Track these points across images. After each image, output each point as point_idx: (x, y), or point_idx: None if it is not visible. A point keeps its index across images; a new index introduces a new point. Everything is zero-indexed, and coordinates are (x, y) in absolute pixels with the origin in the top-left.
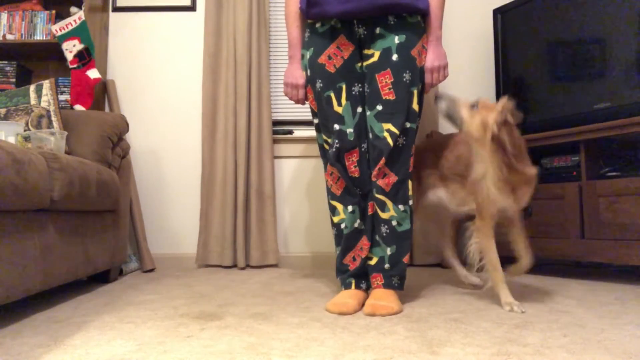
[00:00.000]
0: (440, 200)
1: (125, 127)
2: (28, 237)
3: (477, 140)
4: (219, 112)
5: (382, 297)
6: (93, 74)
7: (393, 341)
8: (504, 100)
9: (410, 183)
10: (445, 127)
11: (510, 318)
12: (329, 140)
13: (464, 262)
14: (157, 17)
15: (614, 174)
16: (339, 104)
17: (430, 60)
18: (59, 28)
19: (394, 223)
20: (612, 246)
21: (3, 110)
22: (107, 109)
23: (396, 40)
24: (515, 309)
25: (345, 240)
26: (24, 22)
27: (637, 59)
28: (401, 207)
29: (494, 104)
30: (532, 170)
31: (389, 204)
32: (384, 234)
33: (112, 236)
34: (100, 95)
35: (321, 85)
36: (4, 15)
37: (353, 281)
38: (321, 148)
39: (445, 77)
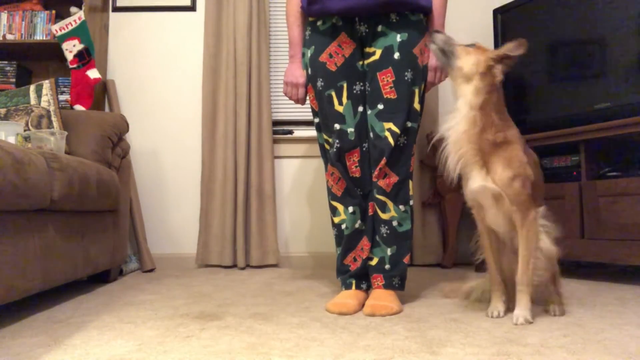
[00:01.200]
0: None
1: (125, 127)
2: (28, 237)
3: (465, 77)
4: (219, 112)
5: (382, 297)
6: (93, 74)
7: (393, 341)
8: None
9: (410, 183)
10: None
11: (510, 317)
12: (330, 140)
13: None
14: (157, 17)
15: (614, 174)
16: (340, 103)
17: (433, 59)
18: (59, 28)
19: (394, 223)
20: (612, 246)
21: (3, 110)
22: (107, 109)
23: (398, 38)
24: (495, 314)
25: (345, 240)
26: (24, 22)
27: (637, 59)
28: (402, 207)
29: (490, 49)
30: (500, 136)
31: (390, 204)
32: (384, 235)
33: (112, 236)
34: (100, 95)
35: (322, 84)
36: (4, 15)
37: (353, 281)
38: (322, 148)
39: (447, 76)
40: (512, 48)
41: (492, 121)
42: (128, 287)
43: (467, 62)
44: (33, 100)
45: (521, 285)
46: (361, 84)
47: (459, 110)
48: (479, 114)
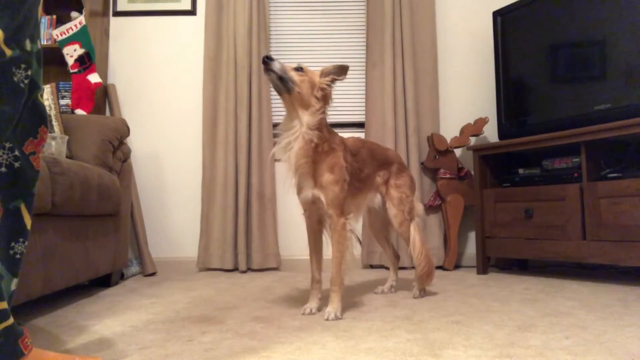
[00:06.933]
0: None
1: (126, 131)
2: (29, 241)
3: (302, 100)
4: (219, 115)
5: None
6: (94, 78)
7: (395, 344)
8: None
9: None
10: (446, 129)
11: (512, 320)
12: None
13: None
14: (157, 21)
15: (615, 175)
16: None
17: None
18: (59, 33)
19: None
20: (614, 247)
21: None
22: (107, 113)
23: None
24: (308, 311)
25: None
26: None
27: (637, 60)
28: None
29: (317, 72)
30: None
31: None
32: None
33: (113, 240)
34: (101, 99)
35: None
36: None
37: None
38: None
39: None
40: (337, 72)
41: (324, 136)
42: (129, 291)
43: (304, 87)
44: None
45: (333, 286)
46: None
47: (295, 130)
48: (315, 133)
